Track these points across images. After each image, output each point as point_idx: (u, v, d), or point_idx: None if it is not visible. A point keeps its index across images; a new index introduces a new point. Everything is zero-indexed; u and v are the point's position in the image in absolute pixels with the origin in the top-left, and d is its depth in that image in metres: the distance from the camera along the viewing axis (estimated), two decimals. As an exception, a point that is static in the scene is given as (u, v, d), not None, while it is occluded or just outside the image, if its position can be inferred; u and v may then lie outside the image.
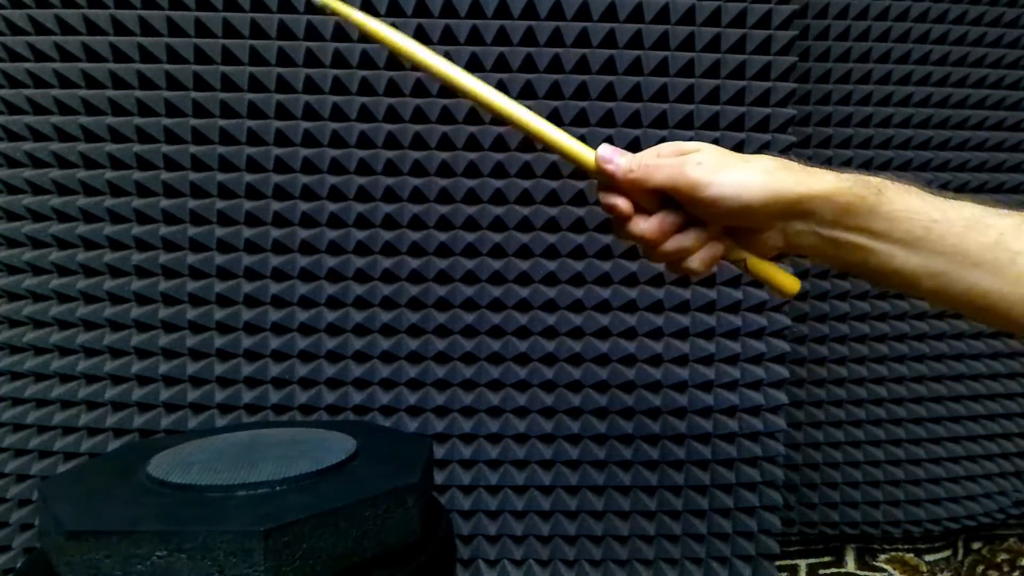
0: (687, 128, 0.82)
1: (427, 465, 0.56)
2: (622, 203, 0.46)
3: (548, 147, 0.47)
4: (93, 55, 0.80)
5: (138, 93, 0.80)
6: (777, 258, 0.49)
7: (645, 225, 0.45)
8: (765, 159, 0.43)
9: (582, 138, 0.46)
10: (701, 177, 0.42)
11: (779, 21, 0.82)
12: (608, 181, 0.46)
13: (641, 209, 0.46)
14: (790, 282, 0.49)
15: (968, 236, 0.40)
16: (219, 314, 0.83)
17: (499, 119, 0.47)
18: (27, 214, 0.82)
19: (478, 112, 0.81)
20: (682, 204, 0.45)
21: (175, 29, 0.79)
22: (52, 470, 0.83)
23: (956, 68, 0.98)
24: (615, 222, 0.47)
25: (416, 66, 0.46)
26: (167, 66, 0.80)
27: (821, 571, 1.01)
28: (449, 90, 0.47)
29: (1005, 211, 0.42)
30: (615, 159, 0.45)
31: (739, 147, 0.83)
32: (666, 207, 0.46)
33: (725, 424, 0.85)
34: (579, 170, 0.48)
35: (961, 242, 0.40)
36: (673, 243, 0.46)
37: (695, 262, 0.46)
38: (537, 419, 0.85)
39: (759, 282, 0.59)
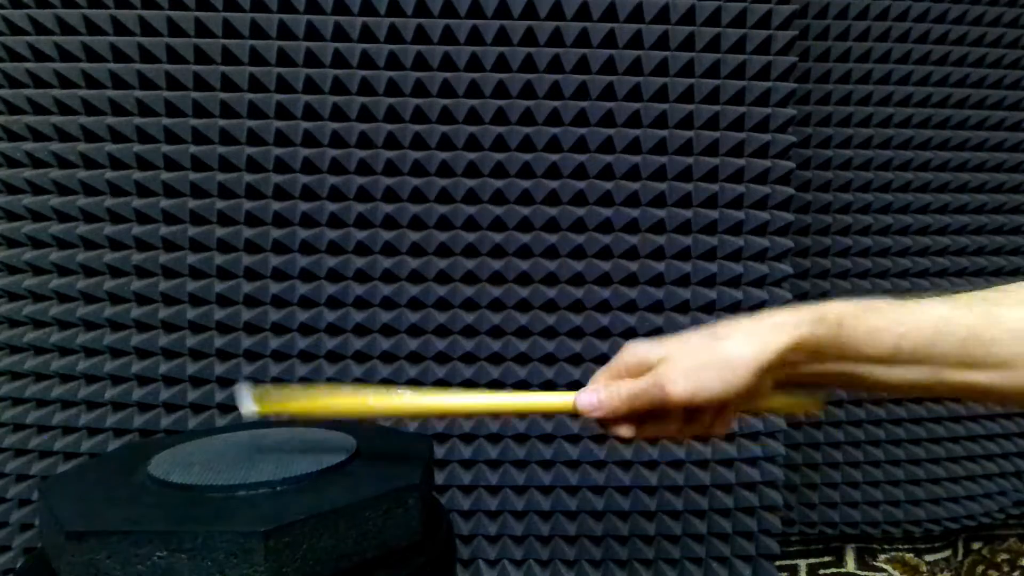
0: (687, 128, 0.82)
1: (427, 465, 0.55)
2: (625, 431, 0.47)
3: (528, 413, 0.47)
4: (93, 55, 0.80)
5: (138, 93, 0.80)
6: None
7: (659, 430, 0.47)
8: (730, 336, 0.43)
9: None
10: (684, 392, 0.43)
11: (779, 21, 0.82)
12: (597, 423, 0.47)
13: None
14: (808, 403, 0.51)
15: (938, 341, 0.41)
16: (219, 314, 0.83)
17: (470, 416, 0.48)
18: (27, 214, 0.82)
19: (478, 112, 0.81)
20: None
21: (175, 29, 0.79)
22: (52, 470, 0.83)
23: (956, 68, 0.98)
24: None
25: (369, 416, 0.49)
26: (167, 66, 0.80)
27: (821, 571, 1.01)
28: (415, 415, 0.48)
29: (976, 297, 0.42)
30: (593, 403, 0.46)
31: (739, 147, 0.83)
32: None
33: (725, 424, 0.85)
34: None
35: (933, 348, 0.41)
36: (690, 431, 0.47)
37: (717, 430, 0.48)
38: (536, 419, 0.85)
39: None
